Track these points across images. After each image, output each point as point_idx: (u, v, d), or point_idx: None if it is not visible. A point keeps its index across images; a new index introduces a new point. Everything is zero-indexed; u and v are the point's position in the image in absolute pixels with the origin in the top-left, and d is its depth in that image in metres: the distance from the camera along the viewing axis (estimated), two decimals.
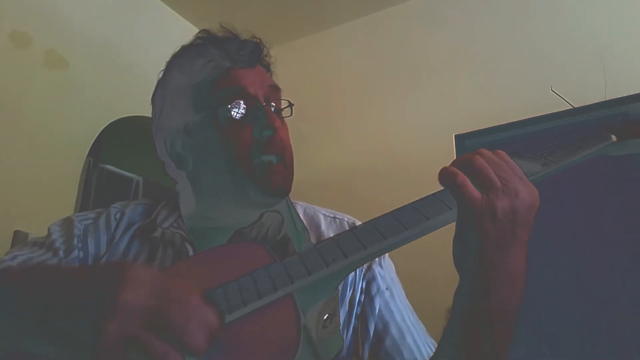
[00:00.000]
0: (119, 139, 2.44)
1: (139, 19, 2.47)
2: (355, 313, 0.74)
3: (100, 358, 0.40)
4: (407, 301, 0.79)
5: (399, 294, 0.78)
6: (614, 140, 0.65)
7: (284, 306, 0.50)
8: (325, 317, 0.54)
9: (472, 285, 0.55)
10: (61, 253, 0.73)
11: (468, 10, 2.41)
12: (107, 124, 2.21)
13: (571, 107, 1.93)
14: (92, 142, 2.16)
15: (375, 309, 0.74)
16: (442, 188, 0.56)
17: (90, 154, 2.20)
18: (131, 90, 2.19)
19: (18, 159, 1.87)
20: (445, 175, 0.54)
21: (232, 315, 0.48)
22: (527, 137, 2.01)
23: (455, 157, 2.28)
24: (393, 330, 0.73)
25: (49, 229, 0.77)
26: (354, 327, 0.73)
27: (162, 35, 2.28)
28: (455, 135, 2.18)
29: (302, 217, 0.81)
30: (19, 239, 1.80)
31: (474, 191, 0.52)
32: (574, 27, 2.13)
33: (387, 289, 0.76)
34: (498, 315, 0.54)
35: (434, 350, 0.73)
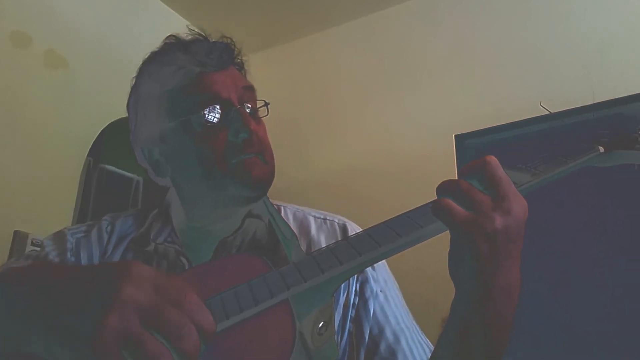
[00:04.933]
0: (119, 139, 2.44)
1: (139, 19, 2.47)
2: (350, 316, 0.73)
3: (95, 351, 0.40)
4: (402, 301, 0.79)
5: (393, 296, 0.77)
6: (601, 151, 0.66)
7: (280, 312, 0.50)
8: (320, 325, 0.54)
9: (468, 298, 0.56)
10: None
11: (468, 10, 2.41)
12: (107, 124, 2.21)
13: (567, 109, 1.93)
14: (92, 142, 2.16)
15: (370, 312, 0.73)
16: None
17: (90, 154, 2.20)
18: None
19: (18, 159, 1.87)
20: (434, 207, 0.55)
21: (230, 320, 0.48)
22: (526, 137, 2.01)
23: (455, 157, 2.27)
24: (388, 334, 0.72)
25: (42, 243, 0.78)
26: (349, 331, 0.73)
27: (162, 36, 2.27)
28: (455, 135, 2.18)
29: (291, 222, 0.80)
30: (19, 239, 1.80)
31: (460, 212, 0.53)
32: (574, 27, 2.13)
33: (380, 291, 0.76)
34: (494, 327, 0.55)
35: (427, 352, 0.73)
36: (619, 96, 1.87)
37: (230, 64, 0.79)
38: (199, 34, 0.80)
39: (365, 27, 2.70)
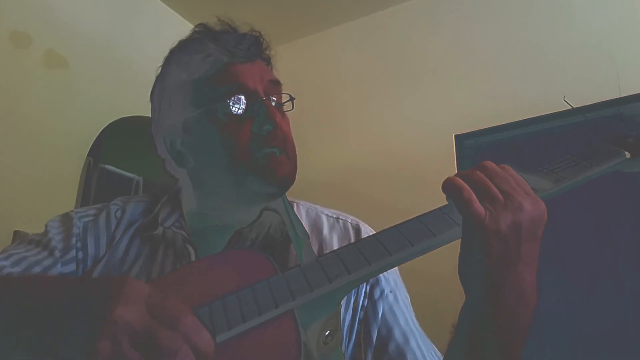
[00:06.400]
0: (119, 139, 2.44)
1: (138, 18, 2.46)
2: (359, 318, 0.72)
3: None
4: (410, 305, 0.78)
5: (402, 298, 0.76)
6: (627, 157, 0.63)
7: (284, 322, 0.48)
8: (326, 334, 0.53)
9: (478, 302, 0.53)
10: (57, 253, 0.71)
11: (468, 10, 2.41)
12: (107, 124, 2.21)
13: (571, 108, 1.93)
14: (92, 142, 2.16)
15: (379, 314, 0.72)
16: (446, 199, 0.54)
17: (90, 154, 2.20)
18: (131, 90, 2.18)
19: (18, 159, 1.87)
20: (450, 188, 0.52)
21: (231, 332, 0.46)
22: (527, 137, 2.01)
23: (455, 157, 2.27)
24: (397, 334, 0.71)
25: (46, 226, 0.75)
26: (356, 332, 0.71)
27: (162, 35, 2.28)
28: (455, 135, 2.18)
29: (304, 219, 0.79)
30: (18, 239, 1.79)
31: (479, 207, 0.50)
32: (574, 27, 2.13)
33: (390, 292, 0.74)
34: (505, 332, 0.53)
35: (435, 355, 0.72)
36: (619, 96, 1.87)
37: (258, 57, 0.79)
38: (229, 25, 0.79)
39: (365, 27, 2.69)
